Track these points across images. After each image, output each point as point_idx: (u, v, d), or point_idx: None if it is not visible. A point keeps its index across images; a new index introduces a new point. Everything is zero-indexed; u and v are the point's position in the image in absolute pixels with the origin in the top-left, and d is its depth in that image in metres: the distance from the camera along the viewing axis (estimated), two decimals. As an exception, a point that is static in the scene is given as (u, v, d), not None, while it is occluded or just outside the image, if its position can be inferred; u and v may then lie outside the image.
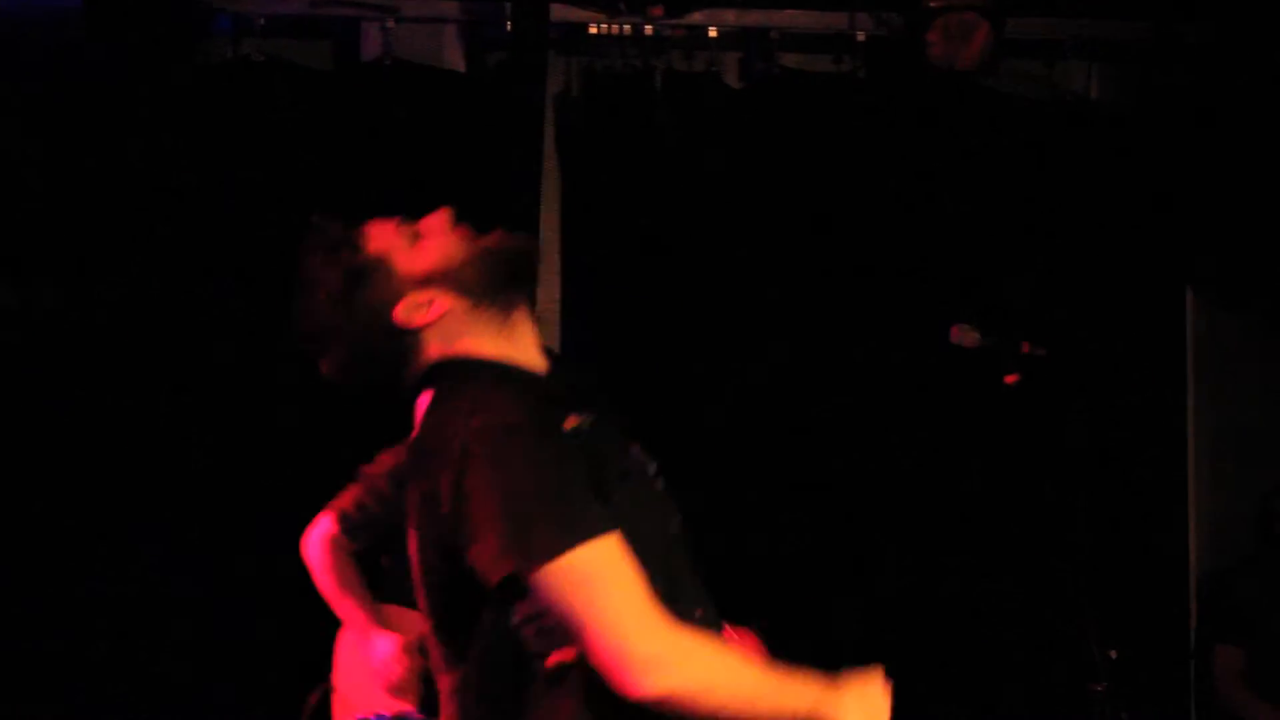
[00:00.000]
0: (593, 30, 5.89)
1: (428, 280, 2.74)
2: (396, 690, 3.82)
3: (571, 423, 2.71)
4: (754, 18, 6.00)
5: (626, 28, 5.89)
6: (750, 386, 5.93)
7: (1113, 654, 4.03)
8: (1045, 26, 6.07)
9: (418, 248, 2.78)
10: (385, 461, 3.70)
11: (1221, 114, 5.99)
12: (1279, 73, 5.88)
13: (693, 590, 2.84)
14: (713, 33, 5.96)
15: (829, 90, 6.02)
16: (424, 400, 2.73)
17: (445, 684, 2.83)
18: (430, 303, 2.74)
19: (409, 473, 2.73)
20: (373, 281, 2.75)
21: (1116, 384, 6.05)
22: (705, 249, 5.92)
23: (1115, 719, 4.03)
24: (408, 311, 2.74)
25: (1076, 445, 5.85)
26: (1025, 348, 4.31)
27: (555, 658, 2.68)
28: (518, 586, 2.60)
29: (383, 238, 2.78)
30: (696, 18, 5.94)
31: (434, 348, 2.76)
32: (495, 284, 2.78)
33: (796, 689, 2.70)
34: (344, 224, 2.80)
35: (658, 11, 5.88)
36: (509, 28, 5.75)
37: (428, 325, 2.75)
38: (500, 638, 2.70)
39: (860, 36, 5.98)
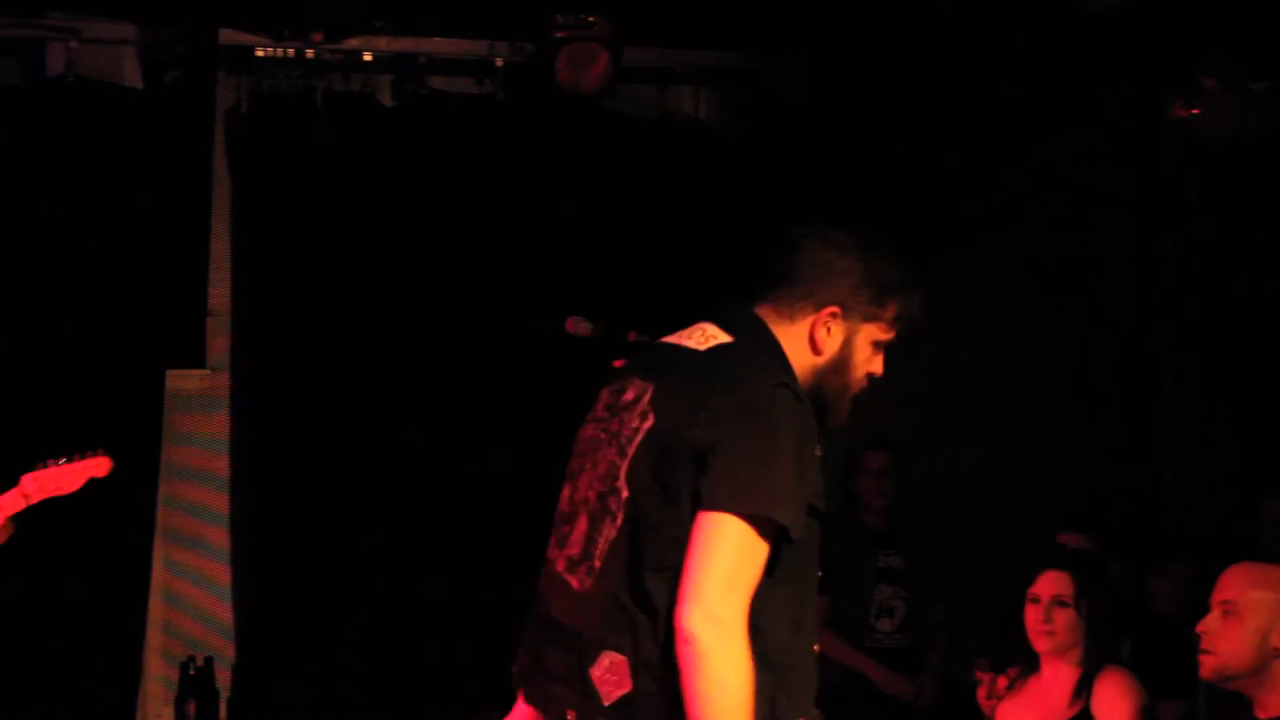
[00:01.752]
0: (259, 53, 6.39)
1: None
2: None
3: (819, 451, 3.29)
4: (405, 43, 6.54)
5: (290, 51, 6.39)
6: (409, 377, 6.60)
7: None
8: (658, 56, 6.75)
9: None
10: None
11: (809, 133, 6.82)
12: (855, 96, 6.77)
13: (813, 631, 3.35)
14: (367, 57, 6.51)
15: (472, 109, 6.65)
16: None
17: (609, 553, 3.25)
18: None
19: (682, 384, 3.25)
20: None
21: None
22: (360, 252, 6.52)
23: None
24: None
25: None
26: (632, 336, 4.95)
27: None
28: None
29: None
30: (353, 43, 6.46)
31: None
32: None
33: None
34: None
35: (318, 37, 6.39)
36: (183, 50, 6.27)
37: None
38: (670, 553, 3.16)
39: (499, 62, 6.59)
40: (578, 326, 4.86)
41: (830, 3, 6.33)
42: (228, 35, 6.33)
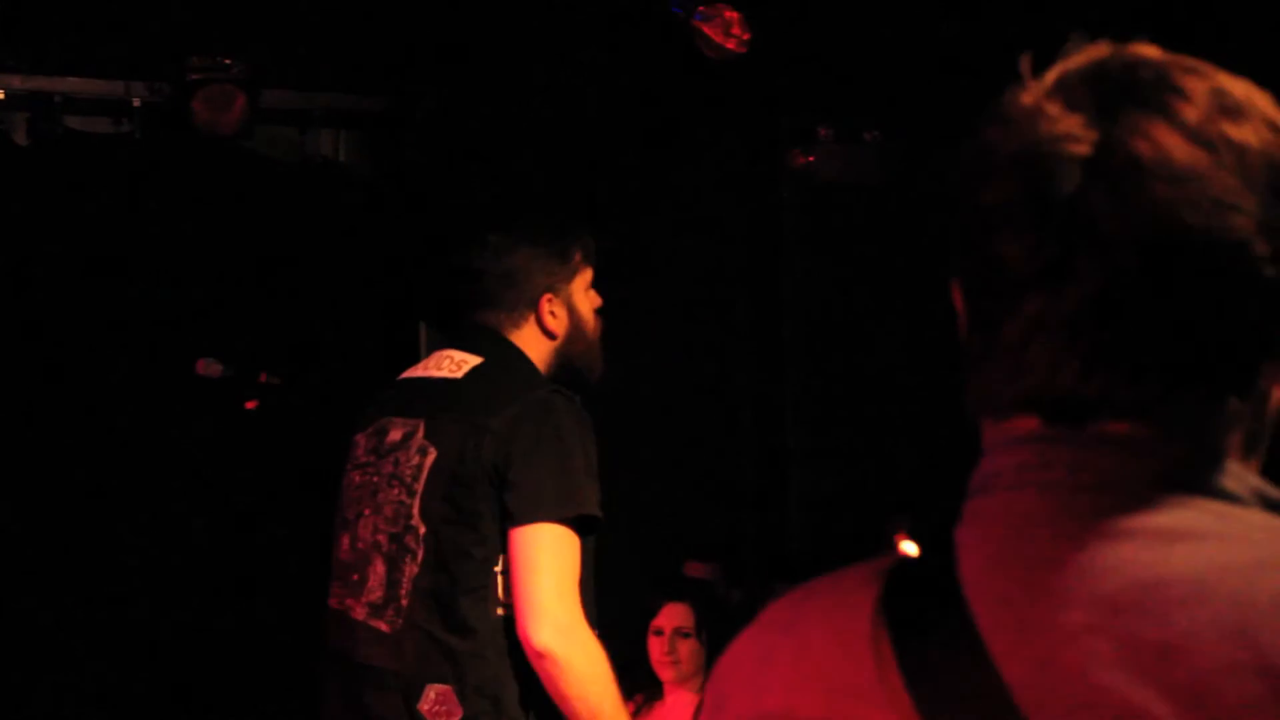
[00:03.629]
0: (-117, 89, 6.26)
1: None
2: None
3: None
4: (39, 82, 6.44)
5: (-82, 88, 6.32)
6: (36, 420, 6.58)
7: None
8: (297, 98, 6.80)
9: None
10: None
11: (447, 176, 7.02)
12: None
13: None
14: (0, 95, 6.48)
15: (109, 150, 6.63)
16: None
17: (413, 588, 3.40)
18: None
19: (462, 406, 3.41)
20: None
21: (354, 407, 6.97)
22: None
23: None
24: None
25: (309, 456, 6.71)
26: (263, 377, 5.08)
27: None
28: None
29: None
30: None
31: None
32: None
33: None
34: None
35: (-53, 74, 6.37)
36: None
37: None
38: (481, 574, 3.35)
39: (136, 102, 6.51)
40: (209, 368, 4.97)
41: (466, 47, 6.52)
42: None
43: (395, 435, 3.51)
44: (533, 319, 3.61)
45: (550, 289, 3.62)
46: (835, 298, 7.88)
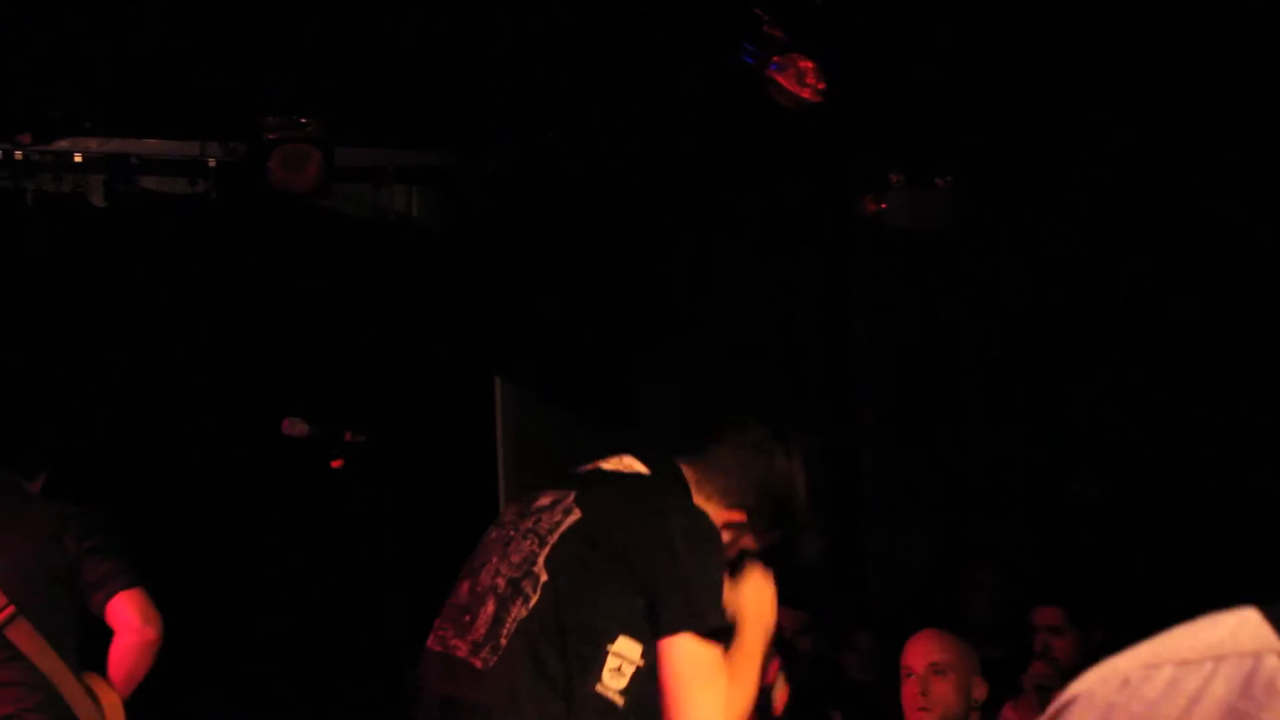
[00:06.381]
0: (-34, 154, 6.36)
1: None
2: None
3: None
4: (116, 144, 6.55)
5: (-2, 152, 6.42)
6: (121, 480, 6.61)
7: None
8: (370, 155, 6.87)
9: None
10: None
11: (520, 230, 7.06)
12: (564, 196, 7.02)
13: None
14: (78, 158, 6.51)
15: (184, 209, 6.68)
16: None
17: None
18: None
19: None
20: None
21: (435, 462, 7.01)
22: (72, 352, 6.55)
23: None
24: None
25: (396, 513, 6.74)
26: (348, 436, 5.09)
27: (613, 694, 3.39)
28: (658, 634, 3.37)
29: None
30: (63, 144, 6.45)
31: None
32: None
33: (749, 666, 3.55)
34: None
35: (26, 138, 6.38)
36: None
37: None
38: (590, 642, 3.40)
39: (211, 162, 6.60)
40: (293, 427, 4.97)
41: (537, 100, 6.56)
42: (-67, 137, 6.33)
43: (544, 500, 3.60)
44: (711, 511, 3.64)
45: (748, 514, 3.69)
46: (909, 343, 7.87)
